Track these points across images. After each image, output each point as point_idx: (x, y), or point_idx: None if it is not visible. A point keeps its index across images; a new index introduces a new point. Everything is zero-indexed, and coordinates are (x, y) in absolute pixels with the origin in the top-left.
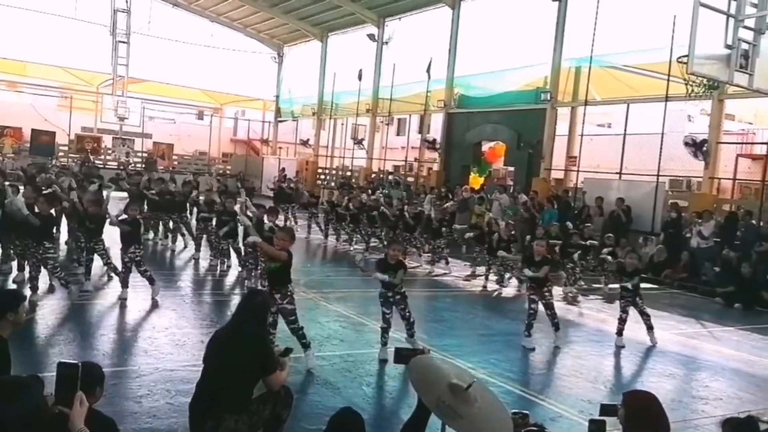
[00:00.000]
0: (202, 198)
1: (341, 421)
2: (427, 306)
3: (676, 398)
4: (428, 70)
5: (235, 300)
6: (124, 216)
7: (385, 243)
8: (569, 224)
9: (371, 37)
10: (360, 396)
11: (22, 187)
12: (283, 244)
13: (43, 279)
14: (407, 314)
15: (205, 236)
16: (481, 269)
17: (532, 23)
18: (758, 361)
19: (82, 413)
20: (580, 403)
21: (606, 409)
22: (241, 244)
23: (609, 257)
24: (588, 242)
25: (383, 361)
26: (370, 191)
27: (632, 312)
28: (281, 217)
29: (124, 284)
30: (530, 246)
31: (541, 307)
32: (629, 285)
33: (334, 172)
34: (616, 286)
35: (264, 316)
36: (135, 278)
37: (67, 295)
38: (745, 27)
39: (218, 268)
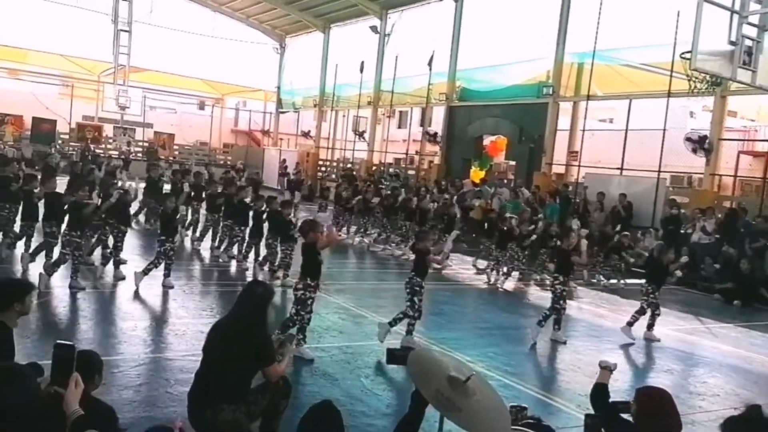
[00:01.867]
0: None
1: (318, 408)
2: (427, 299)
3: (673, 394)
4: (430, 63)
5: (237, 291)
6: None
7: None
8: (577, 222)
9: (373, 29)
10: (358, 387)
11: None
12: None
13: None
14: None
15: (212, 227)
16: (483, 263)
17: (535, 17)
18: (756, 358)
19: (77, 394)
20: (578, 397)
21: (617, 407)
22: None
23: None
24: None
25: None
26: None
27: (629, 309)
28: None
29: (146, 272)
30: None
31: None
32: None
33: (335, 164)
34: (634, 281)
35: (265, 306)
36: (132, 268)
37: (70, 283)
38: (749, 23)
39: (220, 258)
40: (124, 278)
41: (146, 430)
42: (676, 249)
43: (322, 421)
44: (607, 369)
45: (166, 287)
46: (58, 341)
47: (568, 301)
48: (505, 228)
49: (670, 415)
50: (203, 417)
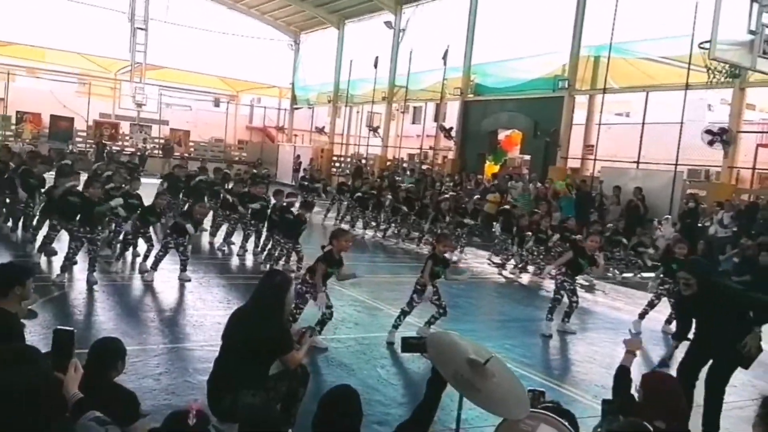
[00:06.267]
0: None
1: (337, 391)
2: (443, 292)
3: None
4: (444, 58)
5: (253, 283)
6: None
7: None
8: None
9: (388, 24)
10: (374, 377)
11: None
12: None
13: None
14: (444, 304)
15: (225, 221)
16: (497, 258)
17: (551, 10)
18: None
19: (77, 379)
20: (594, 388)
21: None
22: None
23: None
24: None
25: (390, 344)
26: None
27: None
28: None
29: (155, 267)
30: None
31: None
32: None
33: (349, 159)
34: (650, 274)
35: (282, 295)
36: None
37: (88, 277)
38: None
39: (235, 252)
40: (147, 271)
41: (167, 416)
42: (693, 242)
43: (342, 403)
44: (631, 353)
45: (183, 280)
46: (58, 327)
47: (585, 294)
48: (521, 224)
49: (674, 400)
50: (223, 403)
